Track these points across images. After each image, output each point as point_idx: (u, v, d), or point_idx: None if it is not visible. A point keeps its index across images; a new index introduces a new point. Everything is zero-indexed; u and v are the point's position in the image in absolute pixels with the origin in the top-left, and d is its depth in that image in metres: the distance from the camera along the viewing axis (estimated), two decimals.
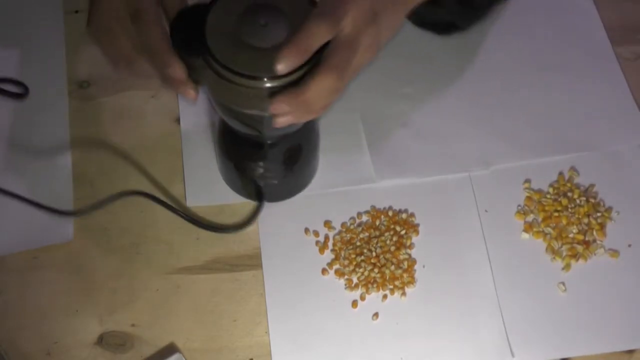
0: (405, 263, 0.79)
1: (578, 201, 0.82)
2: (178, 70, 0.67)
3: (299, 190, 0.83)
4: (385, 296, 0.78)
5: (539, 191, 0.84)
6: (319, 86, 0.64)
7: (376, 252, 0.80)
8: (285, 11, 0.68)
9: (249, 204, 0.83)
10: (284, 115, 0.66)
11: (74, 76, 0.90)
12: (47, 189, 0.83)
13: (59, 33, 0.92)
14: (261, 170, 0.80)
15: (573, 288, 0.79)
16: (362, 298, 0.78)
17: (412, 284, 0.79)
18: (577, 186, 0.84)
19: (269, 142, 0.78)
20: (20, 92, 0.86)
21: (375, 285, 0.78)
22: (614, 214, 0.83)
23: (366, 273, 0.79)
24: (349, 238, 0.81)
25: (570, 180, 0.85)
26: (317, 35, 0.64)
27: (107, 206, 0.80)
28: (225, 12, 0.68)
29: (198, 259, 0.80)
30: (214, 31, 0.67)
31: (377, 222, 0.82)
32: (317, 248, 0.81)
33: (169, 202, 0.81)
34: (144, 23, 0.68)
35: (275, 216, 0.82)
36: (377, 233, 0.81)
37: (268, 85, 0.66)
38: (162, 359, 0.74)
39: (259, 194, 0.81)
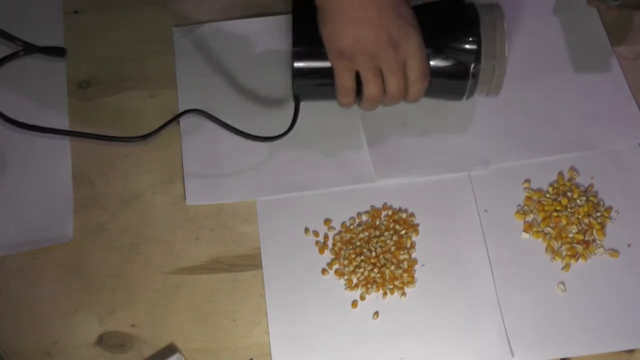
0: (405, 263, 0.79)
1: (578, 201, 0.82)
2: None
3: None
4: (385, 295, 0.78)
5: (539, 191, 0.84)
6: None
7: (376, 252, 0.80)
8: None
9: (249, 204, 0.83)
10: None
11: (74, 76, 0.90)
12: (47, 189, 0.83)
13: (59, 33, 0.92)
14: None
15: (573, 288, 0.79)
16: (362, 298, 0.78)
17: (412, 283, 0.79)
18: (577, 186, 0.84)
19: None
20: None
21: (375, 285, 0.79)
22: (613, 214, 0.83)
23: (366, 273, 0.79)
24: (348, 238, 0.81)
25: (570, 180, 0.85)
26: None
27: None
28: None
29: (198, 259, 0.80)
30: None
31: (377, 222, 0.82)
32: (317, 248, 0.81)
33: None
34: None
35: (275, 216, 0.82)
36: (377, 233, 0.81)
37: None
38: (162, 359, 0.74)
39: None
